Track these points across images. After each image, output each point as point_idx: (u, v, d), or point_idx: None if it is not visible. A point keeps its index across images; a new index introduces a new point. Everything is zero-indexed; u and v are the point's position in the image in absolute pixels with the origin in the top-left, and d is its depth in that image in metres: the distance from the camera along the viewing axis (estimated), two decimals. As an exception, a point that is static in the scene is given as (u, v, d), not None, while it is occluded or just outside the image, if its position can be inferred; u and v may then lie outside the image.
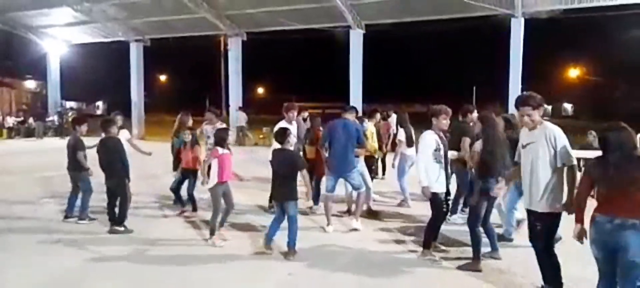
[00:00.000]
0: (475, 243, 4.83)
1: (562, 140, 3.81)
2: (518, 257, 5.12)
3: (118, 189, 6.19)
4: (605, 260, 3.31)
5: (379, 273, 4.80)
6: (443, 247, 5.45)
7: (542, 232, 3.91)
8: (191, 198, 7.07)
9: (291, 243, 5.21)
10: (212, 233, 5.69)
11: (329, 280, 4.63)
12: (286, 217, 5.27)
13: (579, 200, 3.52)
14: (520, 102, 3.95)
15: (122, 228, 6.15)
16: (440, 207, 5.13)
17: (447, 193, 5.26)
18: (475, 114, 6.65)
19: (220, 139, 5.79)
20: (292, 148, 5.62)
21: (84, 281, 4.63)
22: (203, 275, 4.76)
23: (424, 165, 4.97)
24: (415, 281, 4.62)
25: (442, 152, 5.01)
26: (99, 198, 7.85)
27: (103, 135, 6.34)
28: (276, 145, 5.73)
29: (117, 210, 6.24)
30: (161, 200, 7.78)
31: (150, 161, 7.90)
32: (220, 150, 5.67)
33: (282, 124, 6.86)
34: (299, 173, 5.31)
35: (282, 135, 5.44)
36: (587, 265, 4.84)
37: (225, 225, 6.00)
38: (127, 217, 6.22)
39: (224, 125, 7.76)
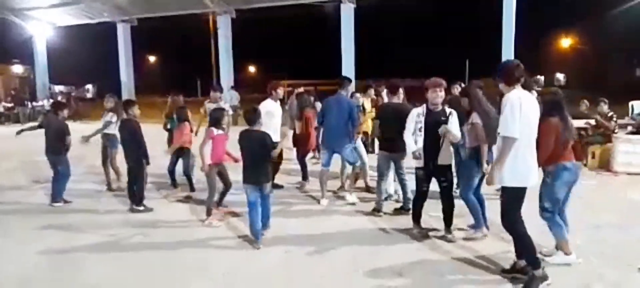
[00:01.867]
0: (474, 212, 4.92)
1: (508, 108, 3.61)
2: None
3: (134, 170, 6.28)
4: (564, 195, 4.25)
5: (374, 248, 4.81)
6: (449, 236, 4.98)
7: (501, 203, 3.87)
8: (188, 178, 7.03)
9: (266, 221, 5.19)
10: (208, 213, 5.68)
11: (325, 256, 4.64)
12: (261, 197, 5.08)
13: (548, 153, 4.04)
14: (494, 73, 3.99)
15: (142, 207, 6.23)
16: (418, 181, 5.07)
17: (432, 167, 4.97)
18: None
19: (215, 120, 5.72)
20: (262, 128, 5.36)
21: (80, 264, 4.60)
22: (199, 256, 4.74)
23: (409, 132, 5.02)
24: (408, 255, 4.62)
25: (420, 125, 4.92)
26: (90, 181, 7.88)
27: (124, 115, 6.48)
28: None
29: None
30: (157, 182, 7.73)
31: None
32: (215, 131, 5.63)
33: (268, 102, 6.80)
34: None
35: (253, 115, 5.17)
36: (581, 234, 4.91)
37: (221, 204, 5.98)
38: (144, 196, 6.32)
39: (225, 104, 7.72)
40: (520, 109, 3.61)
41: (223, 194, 5.89)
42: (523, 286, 3.81)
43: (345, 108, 6.41)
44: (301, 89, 9.95)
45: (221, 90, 8.23)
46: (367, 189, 7.04)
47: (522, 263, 3.98)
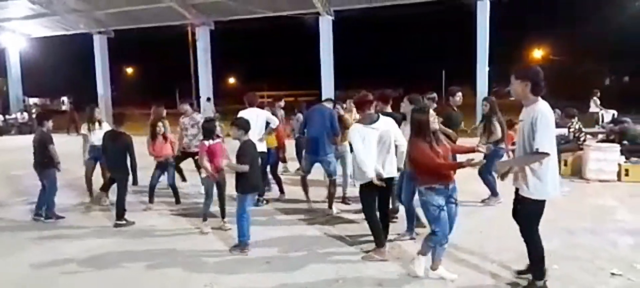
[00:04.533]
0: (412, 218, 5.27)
1: (543, 122, 3.56)
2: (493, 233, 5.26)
3: (119, 183, 6.25)
4: None
5: (356, 257, 4.84)
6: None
7: (522, 214, 3.89)
8: (174, 190, 6.99)
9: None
10: (204, 219, 5.82)
11: (307, 266, 4.65)
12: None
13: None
14: (514, 72, 3.86)
15: (124, 221, 6.15)
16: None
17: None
18: (458, 96, 6.85)
19: (208, 131, 5.79)
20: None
21: (59, 278, 4.52)
22: (180, 268, 4.70)
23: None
24: (390, 264, 4.67)
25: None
26: (70, 194, 7.72)
27: (114, 127, 6.44)
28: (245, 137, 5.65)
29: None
30: (139, 193, 7.63)
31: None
32: (207, 142, 5.68)
33: (253, 111, 6.84)
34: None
35: (248, 125, 5.26)
36: (556, 240, 5.06)
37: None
38: (126, 209, 6.26)
39: (197, 116, 7.67)
40: (551, 123, 3.62)
41: (222, 207, 5.92)
42: None
43: (327, 118, 6.52)
44: (269, 100, 10.02)
45: (191, 103, 8.15)
46: (343, 200, 7.06)
47: None
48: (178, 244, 5.42)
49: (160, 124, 7.16)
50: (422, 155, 4.06)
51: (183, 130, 7.57)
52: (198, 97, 22.09)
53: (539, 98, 3.68)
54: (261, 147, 6.83)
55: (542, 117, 3.56)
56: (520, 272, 4.21)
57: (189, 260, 4.91)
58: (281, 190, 7.51)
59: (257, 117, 6.84)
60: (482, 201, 6.80)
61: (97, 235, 5.82)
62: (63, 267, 4.81)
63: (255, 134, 6.76)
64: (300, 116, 8.92)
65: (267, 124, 7.03)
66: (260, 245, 5.22)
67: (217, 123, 6.20)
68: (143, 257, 5.05)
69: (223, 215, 5.91)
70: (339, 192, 6.91)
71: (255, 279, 4.41)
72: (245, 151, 5.07)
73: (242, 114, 6.93)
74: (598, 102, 13.35)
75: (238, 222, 5.06)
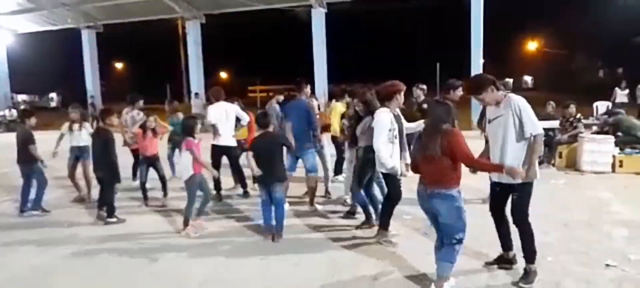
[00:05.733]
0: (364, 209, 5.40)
1: (527, 110, 3.79)
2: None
3: (105, 181, 6.10)
4: (431, 220, 3.88)
5: (351, 253, 4.77)
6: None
7: (519, 201, 3.91)
8: (163, 183, 6.90)
9: (279, 225, 5.21)
10: (186, 224, 5.51)
11: (302, 262, 4.57)
12: (271, 199, 5.18)
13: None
14: (469, 91, 4.13)
15: (114, 219, 6.02)
16: (397, 186, 4.99)
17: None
18: (459, 92, 6.65)
19: (190, 128, 5.54)
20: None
21: (49, 278, 4.43)
22: (173, 267, 4.60)
23: (384, 145, 4.76)
24: (386, 259, 4.60)
25: (396, 132, 4.86)
26: (59, 191, 7.59)
27: (101, 124, 6.25)
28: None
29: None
30: (129, 190, 7.50)
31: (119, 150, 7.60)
32: (193, 139, 5.50)
33: (221, 106, 6.88)
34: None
35: (263, 119, 5.30)
36: (551, 232, 5.01)
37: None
38: (115, 208, 6.11)
39: (141, 114, 7.56)
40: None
41: (203, 205, 5.68)
42: (521, 277, 3.92)
43: (304, 112, 6.33)
44: (282, 96, 9.82)
45: (135, 99, 8.02)
46: (326, 193, 6.97)
47: (510, 254, 4.17)
48: (172, 241, 5.31)
49: (151, 118, 7.02)
50: (467, 149, 3.69)
51: (123, 126, 7.58)
52: (190, 92, 21.90)
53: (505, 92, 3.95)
54: (232, 142, 6.86)
55: (523, 105, 3.80)
56: (489, 263, 4.28)
57: (182, 258, 4.81)
58: (243, 186, 7.15)
59: (226, 113, 6.82)
60: (483, 201, 6.56)
61: (89, 233, 5.69)
62: (55, 265, 4.72)
63: (227, 130, 6.75)
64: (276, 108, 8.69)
65: (238, 119, 7.06)
66: (254, 241, 5.17)
67: (198, 121, 5.79)
68: (136, 254, 4.95)
69: (199, 214, 5.65)
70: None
71: (250, 276, 4.32)
72: (255, 144, 5.29)
73: (211, 109, 6.88)
74: (626, 91, 13.24)
75: None
